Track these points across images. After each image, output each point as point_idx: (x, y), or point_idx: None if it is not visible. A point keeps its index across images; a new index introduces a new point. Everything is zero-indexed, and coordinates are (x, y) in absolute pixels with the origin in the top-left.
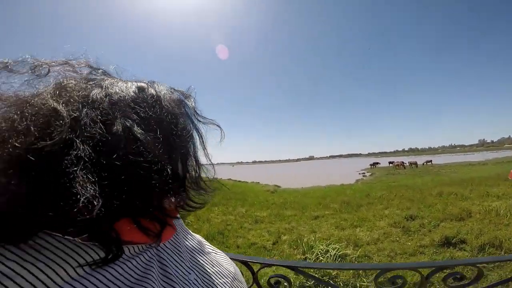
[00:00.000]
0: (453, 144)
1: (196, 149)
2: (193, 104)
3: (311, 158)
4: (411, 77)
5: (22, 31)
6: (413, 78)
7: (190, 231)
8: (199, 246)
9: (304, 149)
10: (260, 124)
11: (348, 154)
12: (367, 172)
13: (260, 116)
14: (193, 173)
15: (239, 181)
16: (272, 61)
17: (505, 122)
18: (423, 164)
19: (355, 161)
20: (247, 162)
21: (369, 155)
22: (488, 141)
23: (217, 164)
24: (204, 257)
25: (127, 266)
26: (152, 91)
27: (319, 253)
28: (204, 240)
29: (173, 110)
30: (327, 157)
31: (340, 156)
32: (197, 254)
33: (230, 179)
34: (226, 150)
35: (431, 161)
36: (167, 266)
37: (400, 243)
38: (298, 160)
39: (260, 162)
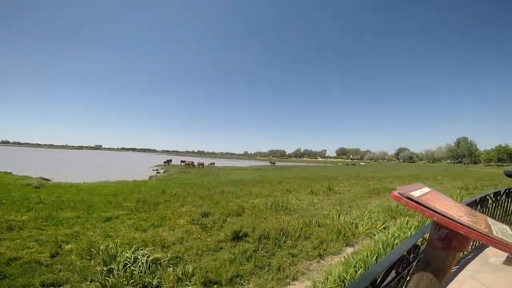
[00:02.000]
0: (228, 152)
1: None
2: None
3: (98, 147)
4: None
5: None
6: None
7: None
8: None
9: (91, 136)
10: (23, 93)
11: (142, 149)
12: (161, 168)
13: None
14: None
15: None
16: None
17: (263, 141)
18: (208, 165)
19: (149, 156)
20: None
21: (163, 152)
22: (249, 153)
23: None
24: None
25: None
26: None
27: (127, 262)
28: None
29: None
30: (118, 148)
31: (134, 149)
32: None
33: None
34: None
35: (214, 163)
36: None
37: (202, 239)
38: (80, 147)
39: (17, 144)
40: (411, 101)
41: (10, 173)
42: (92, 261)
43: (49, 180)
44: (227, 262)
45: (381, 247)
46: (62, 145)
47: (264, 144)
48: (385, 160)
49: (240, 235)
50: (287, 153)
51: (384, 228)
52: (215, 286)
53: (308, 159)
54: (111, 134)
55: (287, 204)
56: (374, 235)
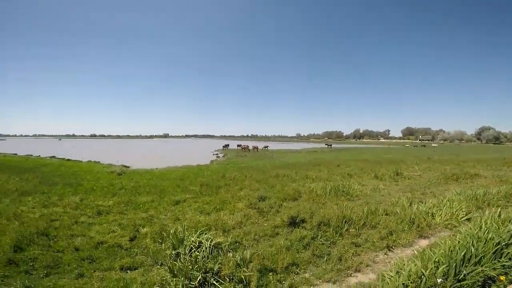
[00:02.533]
0: (281, 135)
1: None
2: None
3: (166, 136)
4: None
5: None
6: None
7: None
8: None
9: (159, 126)
10: (102, 90)
11: (203, 135)
12: (220, 153)
13: (105, 80)
14: None
15: (69, 160)
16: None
17: (313, 123)
18: (262, 148)
19: (209, 142)
20: (83, 136)
21: (221, 137)
22: (302, 135)
23: (34, 136)
24: None
25: None
26: None
27: (192, 246)
28: None
29: None
30: (183, 136)
31: (196, 136)
32: None
33: (54, 157)
34: (47, 119)
35: (267, 146)
36: None
37: (259, 224)
38: (151, 136)
39: (102, 136)
40: (496, 66)
41: (99, 162)
42: (163, 244)
43: (128, 167)
44: (283, 249)
45: (470, 242)
46: (137, 135)
47: (318, 125)
48: (463, 141)
49: (297, 220)
50: (344, 134)
51: (468, 219)
52: (270, 273)
53: (369, 140)
54: (176, 122)
55: (349, 189)
56: (455, 226)
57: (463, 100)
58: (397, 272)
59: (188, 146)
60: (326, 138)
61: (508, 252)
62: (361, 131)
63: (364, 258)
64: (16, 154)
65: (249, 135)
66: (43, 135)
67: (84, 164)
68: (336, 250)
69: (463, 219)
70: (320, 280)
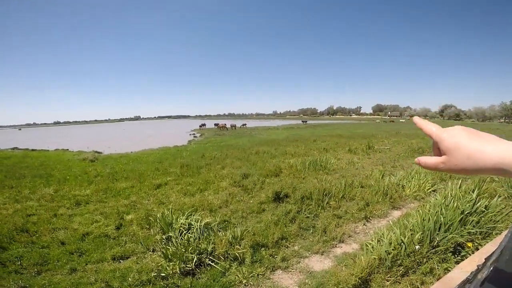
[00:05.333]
0: (258, 113)
1: None
2: None
3: (137, 118)
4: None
5: None
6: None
7: None
8: None
9: (129, 109)
10: (63, 73)
11: (177, 116)
12: (197, 133)
13: (67, 63)
14: None
15: (34, 150)
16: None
17: (292, 99)
18: (240, 126)
19: (184, 122)
20: (45, 124)
21: (196, 117)
22: (278, 112)
23: None
24: None
25: None
26: None
27: (182, 229)
28: None
29: None
30: (155, 117)
31: (169, 117)
32: None
33: (16, 148)
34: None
35: (245, 124)
36: None
37: (245, 201)
38: (122, 120)
39: (67, 123)
40: (463, 51)
41: (67, 149)
42: (151, 230)
43: (101, 152)
44: (272, 224)
45: (439, 210)
46: (105, 120)
47: (294, 103)
48: (427, 117)
49: (281, 196)
50: (318, 111)
51: (434, 191)
52: (262, 249)
53: (341, 116)
54: (147, 104)
55: (326, 164)
56: (423, 198)
57: (429, 78)
58: (378, 241)
59: (162, 127)
60: (302, 115)
61: (472, 220)
62: (334, 108)
63: (346, 229)
64: None
65: (226, 113)
66: (0, 126)
67: (52, 153)
68: (320, 223)
69: (429, 190)
70: (309, 252)
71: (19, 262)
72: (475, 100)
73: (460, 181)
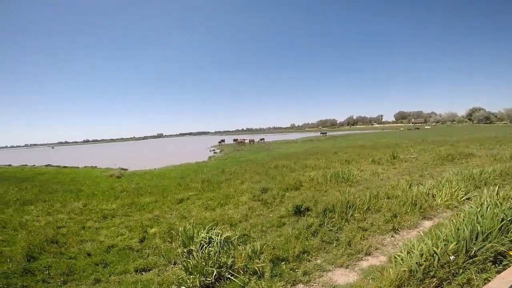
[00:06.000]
0: (276, 126)
1: None
2: None
3: (159, 135)
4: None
5: None
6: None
7: None
8: None
9: (152, 127)
10: (93, 94)
11: (198, 132)
12: (217, 149)
13: (93, 84)
14: None
15: (65, 167)
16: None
17: (309, 111)
18: (258, 141)
19: (204, 138)
20: (76, 142)
21: (216, 133)
22: (296, 125)
23: (25, 146)
24: None
25: None
26: None
27: (203, 243)
28: None
29: None
30: (177, 134)
31: (191, 133)
32: None
33: (49, 165)
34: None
35: (263, 139)
36: None
37: (265, 215)
38: (145, 137)
39: (95, 141)
40: (487, 49)
41: (96, 166)
42: (173, 243)
43: (126, 169)
44: (292, 238)
45: (475, 219)
46: (130, 138)
47: (311, 114)
48: (455, 122)
49: (302, 209)
50: (338, 122)
51: (468, 199)
52: (282, 263)
53: (362, 126)
54: (169, 122)
55: (349, 175)
56: (456, 207)
57: (453, 82)
58: (408, 252)
59: (184, 144)
60: (321, 127)
61: None
62: (354, 118)
63: (372, 242)
64: (10, 165)
65: (244, 128)
66: (35, 144)
67: (81, 170)
68: (344, 235)
69: (463, 199)
70: (333, 266)
71: (47, 272)
72: (504, 101)
73: (497, 188)
